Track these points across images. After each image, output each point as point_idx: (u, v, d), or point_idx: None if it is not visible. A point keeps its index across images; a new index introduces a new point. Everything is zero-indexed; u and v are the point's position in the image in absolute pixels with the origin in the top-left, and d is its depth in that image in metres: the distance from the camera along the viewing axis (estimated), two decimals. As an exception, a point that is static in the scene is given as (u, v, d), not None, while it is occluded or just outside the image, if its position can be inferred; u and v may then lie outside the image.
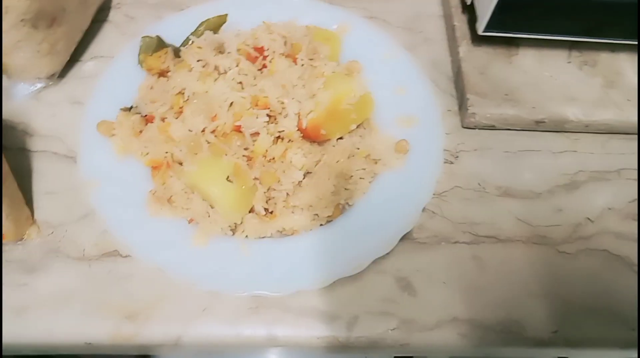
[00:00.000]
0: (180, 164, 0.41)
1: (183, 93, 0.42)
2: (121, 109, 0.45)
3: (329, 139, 0.43)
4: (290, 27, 0.47)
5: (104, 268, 0.43)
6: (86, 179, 0.42)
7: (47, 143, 0.49)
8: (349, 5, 0.59)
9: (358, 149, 0.44)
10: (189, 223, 0.41)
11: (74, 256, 0.43)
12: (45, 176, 0.47)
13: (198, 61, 0.43)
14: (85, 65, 0.54)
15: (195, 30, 0.48)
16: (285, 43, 0.44)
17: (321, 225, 0.41)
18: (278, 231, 0.41)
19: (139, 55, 0.48)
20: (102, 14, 0.57)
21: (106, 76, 0.47)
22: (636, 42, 0.49)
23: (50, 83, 0.52)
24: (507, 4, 0.46)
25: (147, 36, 0.48)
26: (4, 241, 0.42)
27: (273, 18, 0.50)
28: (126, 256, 0.43)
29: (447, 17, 0.58)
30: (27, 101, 0.51)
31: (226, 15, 0.49)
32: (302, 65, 0.44)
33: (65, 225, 0.44)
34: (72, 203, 0.45)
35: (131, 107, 0.46)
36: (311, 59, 0.45)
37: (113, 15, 0.58)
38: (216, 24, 0.49)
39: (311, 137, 0.42)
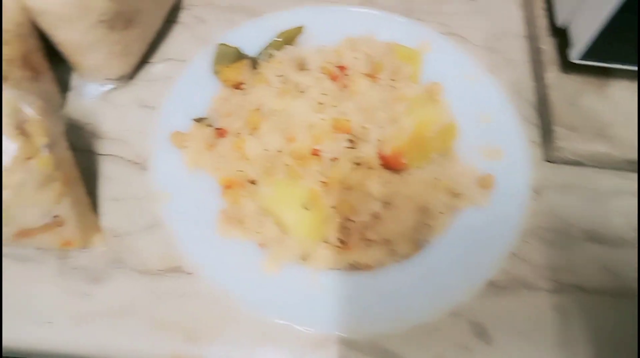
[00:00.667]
0: (253, 183, 0.40)
1: (260, 109, 0.40)
2: (194, 119, 0.44)
3: (407, 168, 0.41)
4: (372, 44, 0.45)
5: (167, 284, 0.41)
6: (155, 190, 0.41)
7: (114, 146, 0.48)
8: (427, 20, 0.56)
9: (438, 180, 0.41)
10: (259, 246, 0.39)
11: (137, 268, 0.42)
12: (111, 181, 0.46)
13: (278, 76, 0.41)
14: (155, 67, 0.53)
15: (273, 42, 0.46)
16: (368, 62, 0.42)
17: (396, 261, 0.39)
18: (350, 264, 0.38)
19: (214, 64, 0.46)
20: (172, 14, 0.56)
21: (179, 83, 0.45)
22: None
23: (120, 84, 0.51)
24: (611, 32, 0.43)
25: (224, 44, 0.47)
26: (70, 248, 0.42)
27: (349, 31, 0.48)
28: (190, 274, 0.41)
29: (532, 39, 0.55)
30: (96, 102, 0.50)
31: (303, 27, 0.47)
32: (384, 86, 0.42)
33: (130, 235, 0.43)
34: (138, 212, 0.44)
35: (203, 118, 0.44)
36: (392, 80, 0.43)
37: (183, 16, 0.57)
38: (292, 35, 0.47)
39: (391, 165, 0.40)
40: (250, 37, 0.48)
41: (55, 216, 0.39)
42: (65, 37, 0.45)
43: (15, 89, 0.38)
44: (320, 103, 0.40)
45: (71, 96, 0.51)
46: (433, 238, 0.39)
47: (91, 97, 0.50)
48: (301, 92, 0.40)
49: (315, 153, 0.38)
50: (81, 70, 0.49)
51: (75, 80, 0.51)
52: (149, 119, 0.49)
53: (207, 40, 0.55)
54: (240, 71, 0.42)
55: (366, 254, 0.38)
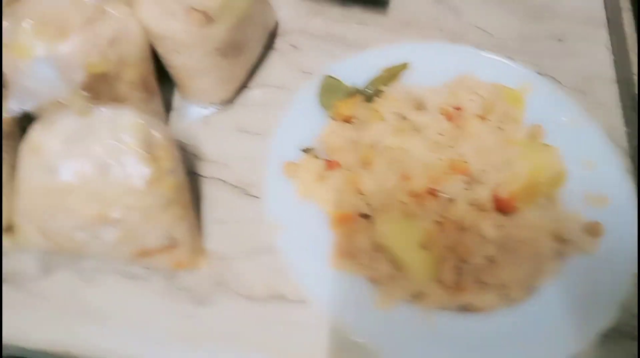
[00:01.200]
0: (366, 218, 0.40)
1: (374, 145, 0.41)
2: (302, 150, 0.45)
3: (517, 212, 0.41)
4: (481, 85, 0.45)
5: (271, 311, 0.42)
6: (266, 218, 0.42)
7: (216, 169, 0.49)
8: (516, 59, 0.57)
9: (547, 225, 0.41)
10: (370, 281, 0.39)
11: (241, 292, 0.43)
12: (213, 203, 0.47)
13: (394, 113, 0.41)
14: (252, 92, 0.54)
15: (378, 77, 0.47)
16: (481, 103, 0.42)
17: (507, 305, 0.39)
18: (461, 305, 0.39)
19: (321, 96, 0.47)
20: (268, 41, 0.57)
21: (286, 113, 0.46)
22: None
23: (220, 108, 0.52)
24: None
25: (330, 77, 0.48)
26: (180, 269, 0.43)
27: (449, 68, 0.49)
28: (296, 302, 0.42)
29: (625, 83, 0.55)
30: (197, 124, 0.52)
31: (407, 64, 0.48)
32: (493, 127, 0.42)
33: (233, 259, 0.44)
34: (242, 237, 0.45)
35: (310, 149, 0.45)
36: (501, 121, 0.43)
37: (279, 43, 0.58)
38: (397, 72, 0.48)
39: (503, 208, 0.40)
40: (353, 70, 0.49)
41: (172, 238, 0.40)
42: (180, 62, 0.47)
43: (135, 110, 0.40)
44: (437, 143, 0.40)
45: (173, 116, 0.52)
46: (543, 284, 0.39)
47: (193, 119, 0.52)
48: (417, 130, 0.41)
49: (432, 193, 0.39)
50: (187, 93, 0.51)
51: (177, 101, 0.53)
52: (248, 144, 0.50)
53: (302, 68, 0.56)
54: (354, 106, 0.43)
55: (479, 296, 0.38)
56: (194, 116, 0.52)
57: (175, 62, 0.47)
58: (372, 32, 0.60)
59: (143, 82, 0.46)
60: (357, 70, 0.49)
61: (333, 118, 0.45)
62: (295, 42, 0.58)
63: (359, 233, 0.40)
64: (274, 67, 0.56)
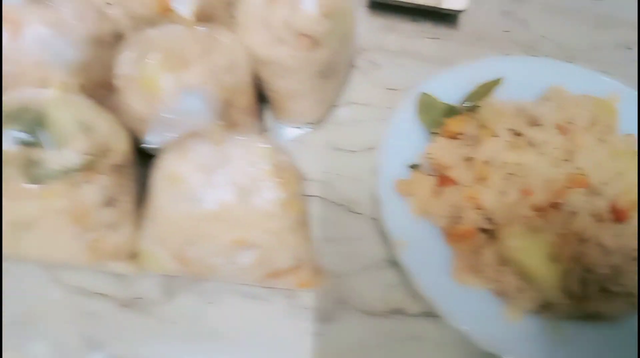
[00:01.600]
0: (486, 232, 0.41)
1: (489, 161, 0.42)
2: (410, 167, 0.46)
3: (629, 220, 0.42)
4: (576, 98, 0.47)
5: (391, 325, 0.43)
6: (387, 235, 0.43)
7: (317, 188, 0.50)
8: (589, 68, 0.58)
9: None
10: (496, 294, 0.41)
11: (361, 308, 0.44)
12: (320, 222, 0.48)
13: (507, 129, 0.43)
14: (341, 110, 0.55)
15: (473, 92, 0.49)
16: (588, 117, 0.44)
17: (633, 312, 0.40)
18: (588, 314, 0.40)
19: (420, 113, 0.48)
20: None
21: (388, 132, 0.48)
22: None
23: (313, 127, 0.54)
24: None
25: (426, 94, 0.49)
26: (303, 288, 0.44)
27: (540, 83, 0.50)
28: (416, 316, 0.43)
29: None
30: (293, 143, 0.53)
31: (501, 79, 0.49)
32: (599, 139, 0.44)
33: (349, 276, 0.45)
34: (354, 253, 0.46)
35: (417, 165, 0.46)
36: (603, 133, 0.45)
37: (359, 60, 0.59)
38: (490, 87, 0.49)
39: (618, 218, 0.41)
40: (446, 86, 0.50)
41: (298, 259, 0.41)
42: (282, 86, 0.48)
43: (248, 135, 0.41)
44: (555, 157, 0.41)
45: (268, 137, 0.53)
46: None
47: (287, 139, 0.53)
48: (532, 145, 0.42)
49: (554, 206, 0.40)
50: (282, 114, 0.52)
51: (270, 122, 0.54)
52: (344, 161, 0.52)
53: (385, 84, 0.58)
54: (463, 123, 0.45)
55: (606, 305, 0.39)
56: (289, 136, 0.53)
57: (276, 85, 0.48)
58: (446, 46, 0.61)
59: (250, 107, 0.47)
60: (450, 86, 0.50)
61: (439, 135, 0.46)
62: (374, 59, 0.60)
63: (482, 248, 0.41)
64: (358, 85, 0.57)
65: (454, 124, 0.45)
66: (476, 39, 0.62)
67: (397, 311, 0.44)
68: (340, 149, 0.53)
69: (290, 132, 0.53)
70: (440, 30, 0.63)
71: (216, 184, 0.37)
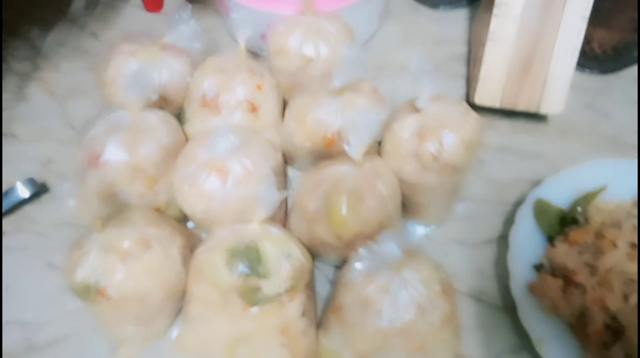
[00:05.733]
0: (611, 330, 0.50)
1: (612, 269, 0.51)
2: (535, 267, 0.55)
3: None
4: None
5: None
6: (529, 332, 0.51)
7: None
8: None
9: None
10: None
11: (503, 391, 0.53)
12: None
13: (627, 242, 0.51)
14: (458, 206, 0.64)
15: (582, 198, 0.58)
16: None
17: None
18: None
19: (537, 218, 0.57)
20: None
21: (513, 235, 0.57)
22: None
23: (438, 225, 0.63)
24: None
25: (541, 200, 0.58)
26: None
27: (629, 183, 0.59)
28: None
29: None
30: (421, 240, 0.62)
31: (605, 186, 0.58)
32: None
33: (488, 362, 0.54)
34: (487, 341, 0.55)
35: (541, 265, 0.55)
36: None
37: (466, 158, 0.68)
38: (596, 194, 0.58)
39: None
40: (557, 191, 0.59)
41: (456, 355, 0.51)
42: (421, 200, 0.57)
43: (418, 260, 0.50)
44: (670, 268, 0.50)
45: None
46: None
47: (418, 236, 0.62)
48: (645, 255, 0.51)
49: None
50: (416, 217, 0.61)
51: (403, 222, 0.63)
52: (469, 254, 0.61)
53: (491, 180, 0.67)
54: (586, 235, 0.53)
55: None
56: (418, 233, 0.62)
57: (415, 199, 0.58)
58: (540, 140, 0.70)
59: (400, 222, 0.57)
60: (558, 191, 0.59)
61: (561, 241, 0.55)
62: (479, 156, 0.69)
63: (610, 345, 0.49)
64: (469, 182, 0.66)
65: (578, 235, 0.54)
66: (566, 133, 0.70)
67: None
68: (464, 243, 0.62)
69: (419, 230, 0.62)
70: (533, 126, 0.71)
71: (401, 306, 0.46)
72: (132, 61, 0.59)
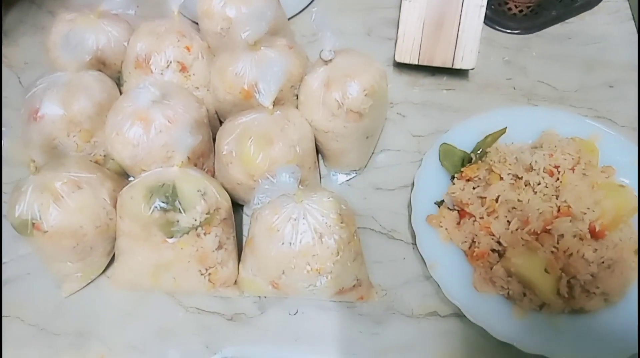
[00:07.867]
0: (496, 252, 0.56)
1: (496, 199, 0.57)
2: (436, 203, 0.61)
3: (605, 237, 0.56)
4: (564, 141, 0.60)
5: (428, 325, 0.58)
6: (424, 258, 0.57)
7: (364, 221, 0.65)
8: (578, 106, 0.72)
9: (628, 245, 0.56)
10: (507, 298, 0.55)
11: (405, 313, 0.59)
12: (369, 248, 0.63)
13: (509, 174, 0.57)
14: (378, 157, 0.70)
15: (483, 141, 0.63)
16: (571, 159, 0.58)
17: (607, 306, 0.54)
18: (575, 309, 0.54)
19: (442, 160, 0.63)
20: (382, 113, 0.73)
21: (418, 175, 0.62)
22: None
23: (358, 172, 0.68)
24: None
25: (446, 144, 0.64)
26: (361, 300, 0.59)
27: (533, 128, 0.64)
28: (447, 316, 0.58)
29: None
30: (343, 186, 0.68)
31: (506, 128, 0.64)
32: (581, 175, 0.58)
33: (394, 288, 0.60)
34: (397, 271, 0.61)
35: (441, 202, 0.61)
36: (584, 169, 0.58)
37: (389, 113, 0.74)
38: (497, 136, 0.63)
39: (596, 236, 0.55)
40: (462, 136, 0.65)
41: (358, 279, 0.57)
42: (336, 146, 0.63)
43: (318, 193, 0.56)
44: (546, 194, 0.56)
45: (322, 183, 0.68)
46: (630, 288, 0.54)
47: (339, 183, 0.68)
48: (528, 186, 0.57)
49: (546, 231, 0.54)
50: (335, 165, 0.67)
51: (323, 170, 0.69)
52: (385, 198, 0.66)
53: (412, 132, 0.72)
54: (476, 170, 0.59)
55: (587, 302, 0.53)
56: (340, 180, 0.68)
57: (331, 146, 0.63)
58: (460, 95, 0.75)
59: (314, 165, 0.62)
60: (465, 136, 0.64)
61: (458, 178, 0.61)
62: (402, 111, 0.74)
63: (494, 264, 0.55)
64: (391, 134, 0.72)
65: (470, 171, 0.59)
66: (484, 87, 0.76)
67: (432, 314, 0.58)
68: (380, 189, 0.68)
69: (340, 178, 0.68)
70: (455, 82, 0.77)
71: (300, 231, 0.52)
72: (71, 28, 0.65)
